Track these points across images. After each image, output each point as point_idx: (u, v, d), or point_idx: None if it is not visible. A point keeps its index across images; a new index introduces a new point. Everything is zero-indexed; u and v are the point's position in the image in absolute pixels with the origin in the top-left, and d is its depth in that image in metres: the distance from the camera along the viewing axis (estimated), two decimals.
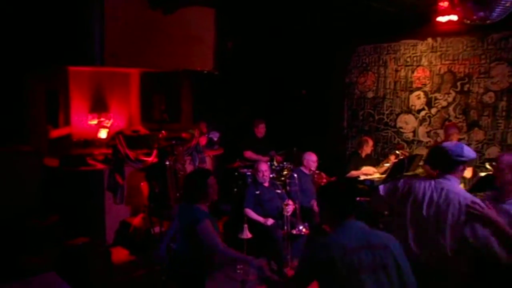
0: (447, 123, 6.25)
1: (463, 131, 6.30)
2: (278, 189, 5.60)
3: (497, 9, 2.72)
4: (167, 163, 5.19)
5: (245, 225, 4.66)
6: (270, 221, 5.20)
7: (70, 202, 5.24)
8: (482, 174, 5.12)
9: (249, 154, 6.75)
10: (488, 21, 2.85)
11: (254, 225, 5.03)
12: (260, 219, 5.25)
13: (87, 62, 5.49)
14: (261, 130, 6.93)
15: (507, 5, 2.69)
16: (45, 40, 5.22)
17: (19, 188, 4.87)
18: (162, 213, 5.23)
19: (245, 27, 7.11)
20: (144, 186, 5.43)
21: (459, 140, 5.94)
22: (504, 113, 5.96)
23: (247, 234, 4.63)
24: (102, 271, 4.39)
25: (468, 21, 2.97)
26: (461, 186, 5.38)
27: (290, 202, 5.31)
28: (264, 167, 5.48)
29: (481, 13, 2.76)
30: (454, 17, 5.19)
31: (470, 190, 5.27)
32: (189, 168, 6.00)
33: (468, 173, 5.45)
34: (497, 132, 6.03)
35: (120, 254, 5.24)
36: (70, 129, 6.85)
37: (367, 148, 6.58)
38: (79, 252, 4.25)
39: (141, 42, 5.55)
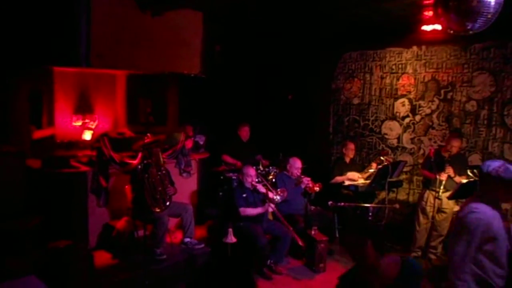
0: (451, 132, 6.20)
1: (446, 138, 6.40)
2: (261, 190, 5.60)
3: (479, 20, 2.79)
4: (139, 166, 5.17)
5: (230, 229, 4.67)
6: (271, 207, 5.28)
7: (52, 204, 5.17)
8: (464, 181, 5.21)
9: (226, 157, 6.78)
10: (470, 32, 2.91)
11: (239, 230, 5.04)
12: (259, 209, 5.28)
13: (73, 63, 5.44)
14: (244, 133, 6.96)
15: (489, 16, 2.77)
16: (31, 40, 5.16)
17: (1, 189, 4.79)
18: (145, 217, 5.20)
19: (233, 31, 7.13)
20: (128, 189, 5.39)
21: (441, 147, 6.04)
22: (485, 122, 6.08)
23: (231, 239, 4.63)
24: (84, 275, 4.34)
25: (451, 31, 3.04)
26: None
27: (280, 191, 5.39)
28: (252, 172, 5.48)
29: (464, 24, 2.83)
30: (439, 27, 5.28)
31: (451, 197, 5.40)
32: (174, 171, 5.97)
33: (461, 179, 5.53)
34: (478, 140, 6.14)
35: (102, 258, 5.19)
36: (53, 130, 6.75)
37: (348, 152, 6.65)
38: (61, 255, 4.19)
39: (128, 44, 5.53)
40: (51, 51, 5.21)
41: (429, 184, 5.66)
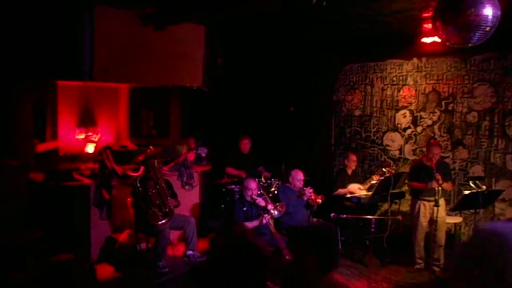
0: (431, 141, 6.28)
1: (448, 150, 6.41)
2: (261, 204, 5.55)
3: (477, 33, 2.82)
4: (137, 179, 5.18)
5: None
6: (266, 218, 5.20)
7: (55, 217, 5.18)
8: (466, 192, 5.19)
9: (230, 170, 6.80)
10: (469, 45, 2.95)
11: None
12: (254, 223, 5.22)
13: (77, 77, 5.50)
14: (244, 145, 6.98)
15: (487, 29, 2.80)
16: (35, 54, 5.23)
17: (4, 202, 4.81)
18: (147, 230, 5.20)
19: (235, 44, 7.20)
20: (130, 202, 5.40)
21: (443, 158, 6.04)
22: (487, 133, 6.09)
23: None
24: None
25: (450, 44, 3.07)
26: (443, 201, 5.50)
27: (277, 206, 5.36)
28: (253, 185, 5.42)
29: (462, 37, 2.86)
30: (438, 39, 5.31)
31: (454, 208, 5.38)
32: (176, 184, 5.98)
33: (448, 186, 5.58)
34: (480, 151, 6.14)
35: (105, 271, 5.18)
36: (57, 143, 6.80)
37: (350, 163, 6.64)
38: (63, 268, 4.18)
39: (130, 58, 5.59)
40: (54, 65, 5.27)
41: (419, 194, 5.61)
